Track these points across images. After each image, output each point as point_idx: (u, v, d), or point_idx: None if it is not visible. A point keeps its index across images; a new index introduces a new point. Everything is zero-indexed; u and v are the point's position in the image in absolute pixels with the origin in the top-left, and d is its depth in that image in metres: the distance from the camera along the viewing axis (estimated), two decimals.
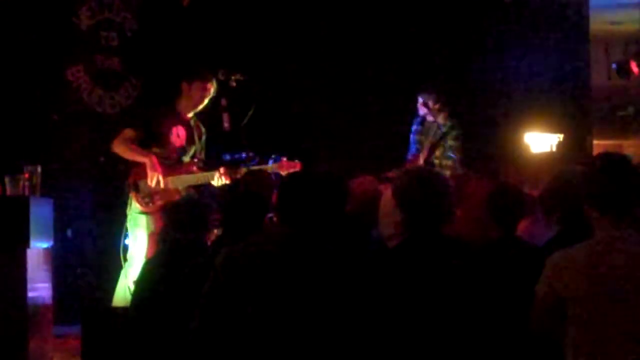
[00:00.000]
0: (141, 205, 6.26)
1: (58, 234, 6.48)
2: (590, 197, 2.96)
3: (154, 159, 6.29)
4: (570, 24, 8.98)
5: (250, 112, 7.11)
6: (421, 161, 7.26)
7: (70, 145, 7.74)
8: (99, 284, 7.34)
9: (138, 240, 6.25)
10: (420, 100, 7.35)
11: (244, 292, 3.09)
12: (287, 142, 7.83)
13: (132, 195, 6.29)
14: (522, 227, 4.21)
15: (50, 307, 5.88)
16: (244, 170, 6.41)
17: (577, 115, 9.09)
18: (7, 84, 7.41)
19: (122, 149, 6.32)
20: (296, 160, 6.54)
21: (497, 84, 8.81)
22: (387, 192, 3.44)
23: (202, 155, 6.68)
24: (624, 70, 9.85)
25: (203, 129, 6.74)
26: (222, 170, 6.41)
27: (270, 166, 6.49)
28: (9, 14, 7.49)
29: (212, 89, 6.57)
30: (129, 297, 5.94)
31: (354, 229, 3.92)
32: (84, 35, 7.93)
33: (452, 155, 7.26)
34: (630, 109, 12.27)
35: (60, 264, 6.78)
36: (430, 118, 7.33)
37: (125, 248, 6.94)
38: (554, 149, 8.98)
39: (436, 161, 7.29)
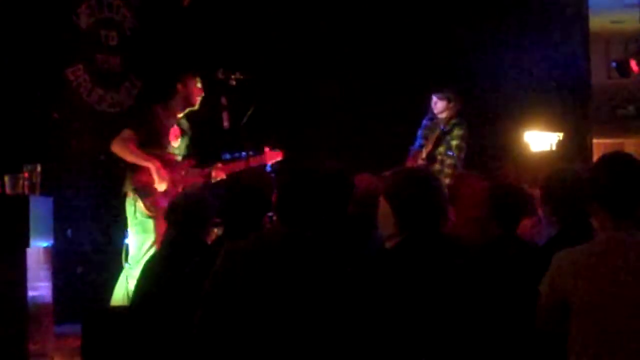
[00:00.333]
0: (148, 210, 6.24)
1: (58, 233, 6.46)
2: (596, 197, 2.95)
3: (158, 163, 6.29)
4: (570, 22, 8.99)
5: (250, 111, 7.11)
6: (424, 155, 7.27)
7: (70, 144, 7.74)
8: (99, 283, 7.32)
9: (145, 244, 6.23)
10: (435, 98, 7.38)
11: (244, 291, 3.09)
12: (286, 140, 7.82)
13: (138, 201, 6.26)
14: (523, 226, 4.21)
15: (50, 306, 5.87)
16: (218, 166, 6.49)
17: (577, 113, 9.11)
18: (7, 83, 7.40)
19: (122, 151, 6.28)
20: (278, 150, 6.62)
21: (496, 82, 8.82)
22: None
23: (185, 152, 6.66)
24: (623, 68, 9.87)
25: (188, 127, 6.73)
26: (219, 165, 6.48)
27: (255, 158, 6.53)
28: (9, 13, 7.48)
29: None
30: (128, 298, 5.95)
31: (355, 228, 3.92)
32: (84, 34, 7.92)
33: (451, 153, 7.26)
34: (631, 108, 12.28)
35: (60, 263, 6.76)
36: (442, 115, 7.36)
37: (126, 247, 6.94)
38: (554, 148, 8.99)
39: (439, 157, 7.30)
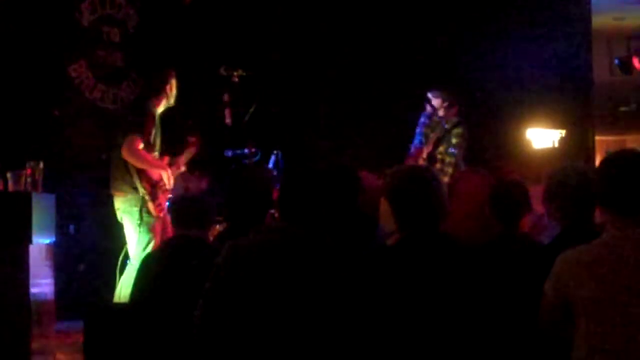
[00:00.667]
0: (157, 211, 6.24)
1: (60, 229, 6.47)
2: (599, 194, 2.94)
3: (168, 169, 6.35)
4: (572, 20, 8.98)
5: (252, 108, 7.12)
6: (424, 154, 7.27)
7: (72, 140, 7.74)
8: (101, 280, 7.33)
9: (150, 244, 6.22)
10: (431, 95, 7.39)
11: (246, 287, 3.09)
12: (289, 137, 7.84)
13: (148, 202, 6.24)
14: (526, 223, 4.21)
15: (52, 303, 5.88)
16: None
17: (579, 111, 9.09)
18: (9, 79, 7.40)
19: (137, 161, 6.19)
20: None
21: (499, 80, 8.81)
22: None
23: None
24: (626, 66, 9.86)
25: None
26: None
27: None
28: (11, 10, 7.48)
29: None
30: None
31: (359, 226, 3.93)
32: (86, 30, 7.92)
33: (453, 150, 7.26)
34: (633, 105, 12.27)
35: (63, 260, 6.77)
36: (440, 114, 7.36)
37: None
38: (556, 145, 8.98)
39: (439, 156, 7.30)
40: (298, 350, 3.02)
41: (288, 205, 3.28)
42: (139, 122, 6.26)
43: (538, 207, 4.57)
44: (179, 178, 6.73)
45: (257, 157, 7.06)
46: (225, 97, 6.96)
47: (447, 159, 7.27)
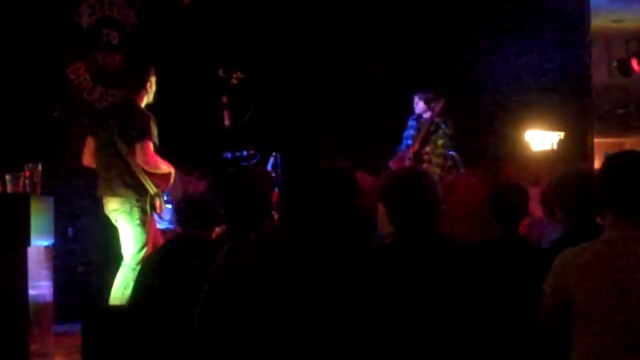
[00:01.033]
0: (161, 211, 6.24)
1: (59, 232, 6.46)
2: (599, 195, 2.94)
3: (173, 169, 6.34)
4: (571, 21, 8.99)
5: (251, 110, 7.12)
6: (411, 155, 7.27)
7: (71, 143, 7.72)
8: (99, 283, 7.32)
9: (149, 243, 6.22)
10: (416, 98, 7.41)
11: (245, 290, 3.09)
12: (287, 139, 7.84)
13: (157, 202, 6.23)
14: (525, 225, 4.21)
15: (50, 306, 5.87)
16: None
17: (578, 113, 9.10)
18: (8, 81, 7.41)
19: (155, 167, 6.13)
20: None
21: (497, 82, 8.82)
22: None
23: None
24: (624, 67, 9.88)
25: None
26: None
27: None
28: (10, 12, 7.48)
29: None
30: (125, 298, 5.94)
31: (357, 228, 3.92)
32: (85, 33, 7.93)
33: (452, 152, 7.26)
34: (631, 107, 12.27)
35: (61, 262, 6.78)
36: (426, 115, 7.36)
37: None
38: (555, 147, 8.99)
39: (426, 157, 7.30)
40: (296, 352, 3.02)
41: (287, 208, 3.27)
42: (145, 126, 6.13)
43: (536, 209, 4.58)
44: (178, 180, 6.73)
45: (256, 159, 7.06)
46: (224, 99, 6.96)
47: (434, 160, 7.26)
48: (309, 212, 3.21)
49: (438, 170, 7.16)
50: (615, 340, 2.77)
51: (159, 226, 6.51)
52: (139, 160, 6.07)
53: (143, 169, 6.13)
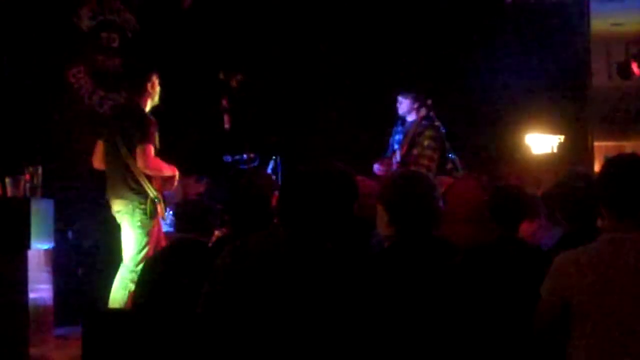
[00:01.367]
0: (162, 214, 6.26)
1: (59, 235, 6.47)
2: (599, 197, 2.95)
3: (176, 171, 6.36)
4: (571, 25, 8.99)
5: (251, 113, 7.12)
6: (398, 158, 7.26)
7: (71, 146, 7.73)
8: (99, 286, 7.32)
9: (147, 248, 6.23)
10: (400, 98, 7.40)
11: (245, 291, 3.09)
12: (287, 142, 7.84)
13: (159, 205, 6.24)
14: (524, 228, 4.21)
15: (50, 308, 5.88)
16: None
17: (577, 116, 9.10)
18: (8, 84, 7.41)
19: (157, 172, 6.16)
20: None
21: (497, 85, 8.82)
22: None
23: None
24: (624, 71, 9.88)
25: None
26: None
27: None
28: (10, 15, 7.48)
29: None
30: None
31: (355, 230, 3.93)
32: (85, 36, 7.93)
33: (451, 156, 7.25)
34: (631, 110, 12.27)
35: (61, 265, 6.77)
36: (410, 118, 7.36)
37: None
38: (555, 150, 8.99)
39: (412, 159, 7.28)
40: (296, 353, 3.02)
41: (287, 210, 3.27)
42: (145, 129, 6.14)
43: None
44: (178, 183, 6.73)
45: (256, 163, 7.06)
46: (224, 102, 6.96)
47: (422, 161, 7.25)
48: (308, 213, 3.20)
49: (424, 171, 7.13)
50: (614, 342, 2.77)
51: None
52: (140, 163, 6.08)
53: (144, 173, 6.15)
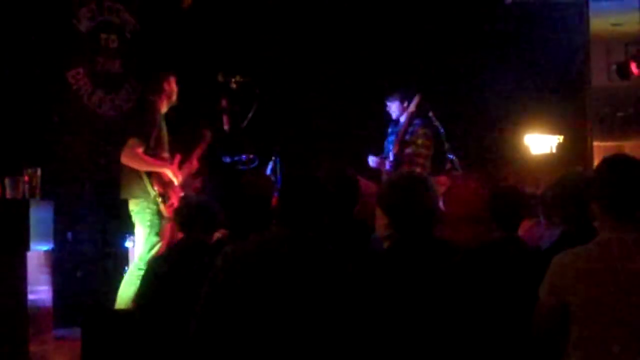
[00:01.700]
0: (170, 212, 6.27)
1: (58, 236, 6.47)
2: (594, 197, 2.95)
3: (171, 166, 6.41)
4: (570, 25, 8.98)
5: (250, 114, 7.12)
6: (391, 158, 7.27)
7: (70, 147, 7.73)
8: (99, 287, 7.32)
9: (158, 247, 6.24)
10: (388, 103, 7.41)
11: (243, 292, 3.09)
12: (286, 143, 7.83)
13: (161, 205, 6.26)
14: (524, 228, 4.21)
15: (50, 310, 5.88)
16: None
17: (577, 116, 9.10)
18: (7, 86, 7.40)
19: (135, 162, 6.23)
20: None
21: (496, 85, 8.81)
22: None
23: None
24: (624, 71, 9.86)
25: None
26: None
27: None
28: (9, 17, 7.48)
29: None
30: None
31: (355, 231, 3.93)
32: (84, 37, 7.92)
33: (451, 156, 7.25)
34: (631, 110, 12.26)
35: (60, 267, 6.77)
36: (403, 119, 7.36)
37: (126, 251, 6.94)
38: (554, 151, 8.98)
39: (407, 159, 7.28)
40: (296, 352, 3.02)
41: (287, 211, 3.28)
42: (138, 125, 6.31)
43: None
44: (189, 176, 6.79)
45: (255, 164, 7.06)
46: (223, 103, 6.96)
47: (418, 160, 7.24)
48: (308, 215, 3.21)
49: (418, 169, 7.13)
50: (612, 342, 2.77)
51: None
52: (122, 158, 6.23)
53: (147, 173, 6.21)
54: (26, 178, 5.60)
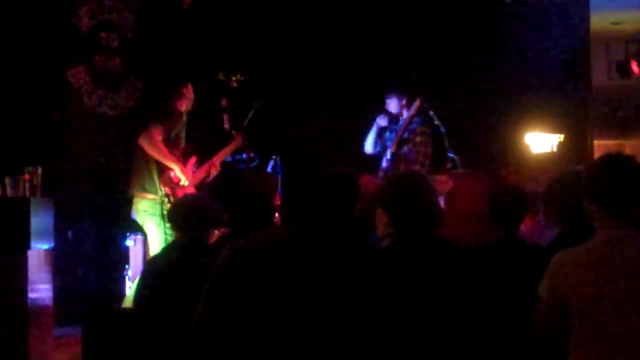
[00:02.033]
0: None
1: (59, 235, 6.46)
2: (591, 196, 2.95)
3: (180, 164, 6.51)
4: (571, 24, 8.99)
5: (251, 113, 7.12)
6: (388, 156, 7.27)
7: (70, 146, 7.74)
8: (99, 286, 7.33)
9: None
10: (387, 100, 7.41)
11: (246, 289, 3.09)
12: (287, 142, 7.84)
13: (167, 204, 6.30)
14: (525, 227, 4.21)
15: (50, 309, 5.87)
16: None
17: (577, 115, 9.10)
18: (8, 85, 7.40)
19: (152, 148, 6.40)
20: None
21: (497, 84, 8.82)
22: None
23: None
24: (624, 70, 9.87)
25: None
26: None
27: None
28: (10, 16, 7.48)
29: None
30: None
31: (355, 230, 3.93)
32: (85, 36, 7.92)
33: (451, 155, 7.24)
34: (631, 109, 12.27)
35: (61, 265, 6.76)
36: (402, 116, 7.36)
37: (126, 250, 6.94)
38: (555, 149, 8.99)
39: (403, 156, 7.27)
40: (299, 350, 3.02)
41: (290, 209, 3.28)
42: (163, 114, 6.52)
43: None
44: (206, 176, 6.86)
45: (256, 162, 7.07)
46: (224, 102, 6.97)
47: (417, 158, 7.24)
48: (310, 213, 3.21)
49: (417, 167, 7.13)
50: (612, 340, 2.77)
51: None
52: (141, 139, 6.41)
53: (158, 171, 6.26)
54: (27, 177, 5.60)
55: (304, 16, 8.62)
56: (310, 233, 3.18)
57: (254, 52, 8.31)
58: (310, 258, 3.12)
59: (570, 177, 3.67)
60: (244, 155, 7.04)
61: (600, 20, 9.87)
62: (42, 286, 5.69)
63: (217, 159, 6.92)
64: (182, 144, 6.71)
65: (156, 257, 5.08)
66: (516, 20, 8.89)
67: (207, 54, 8.07)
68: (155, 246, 6.29)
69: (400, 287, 3.17)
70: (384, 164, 7.28)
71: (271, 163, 7.17)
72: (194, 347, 3.21)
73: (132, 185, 6.54)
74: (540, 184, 6.14)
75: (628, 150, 11.49)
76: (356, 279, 3.13)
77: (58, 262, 6.33)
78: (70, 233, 7.59)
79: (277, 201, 4.75)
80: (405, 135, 7.30)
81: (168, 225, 6.23)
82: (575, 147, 9.01)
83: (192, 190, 6.51)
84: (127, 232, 6.87)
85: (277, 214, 4.44)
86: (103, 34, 8.04)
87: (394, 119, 7.48)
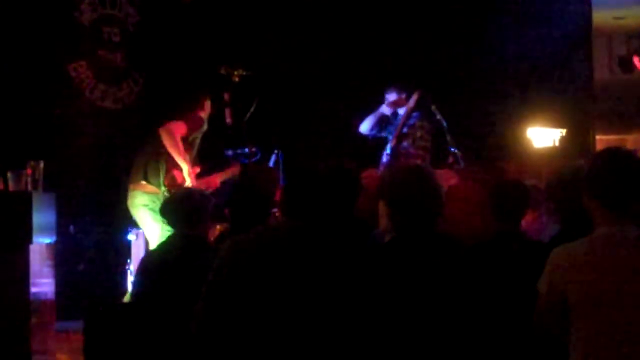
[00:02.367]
0: None
1: (61, 229, 6.47)
2: (591, 191, 2.95)
3: (190, 168, 6.57)
4: (573, 18, 8.98)
5: (253, 107, 7.12)
6: (388, 150, 7.27)
7: (73, 140, 7.73)
8: (101, 280, 7.33)
9: None
10: (387, 95, 7.40)
11: (248, 283, 3.09)
12: (289, 136, 7.84)
13: None
14: (526, 221, 4.21)
15: (52, 303, 5.88)
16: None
17: (579, 110, 9.10)
18: (9, 79, 7.40)
19: (171, 141, 6.47)
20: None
21: (498, 78, 8.81)
22: None
23: None
24: (626, 64, 9.87)
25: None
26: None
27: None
28: (11, 9, 7.47)
29: None
30: None
31: (356, 225, 3.93)
32: (87, 30, 7.91)
33: (453, 149, 7.24)
34: (633, 104, 12.27)
35: (63, 260, 6.77)
36: (401, 111, 7.36)
37: (128, 244, 6.95)
38: (557, 144, 8.99)
39: (403, 151, 7.27)
40: (298, 346, 3.02)
41: (291, 204, 3.27)
42: (191, 117, 6.70)
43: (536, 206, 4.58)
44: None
45: (257, 157, 7.07)
46: (226, 97, 6.97)
47: (418, 152, 7.23)
48: (311, 208, 3.21)
49: (418, 162, 7.12)
50: (612, 335, 2.77)
51: None
52: (163, 129, 6.51)
53: (166, 169, 6.30)
54: (29, 171, 5.60)
55: (306, 11, 8.61)
56: (311, 227, 3.17)
57: (256, 46, 8.31)
58: (311, 252, 3.12)
59: (572, 172, 3.66)
60: (246, 150, 7.04)
61: (602, 15, 9.87)
62: (44, 280, 5.70)
63: (217, 179, 6.97)
64: (194, 151, 6.76)
65: (152, 252, 5.08)
66: (518, 15, 8.89)
67: (209, 49, 8.07)
68: (154, 241, 6.29)
69: (403, 282, 3.17)
70: (384, 158, 7.28)
71: (273, 158, 7.17)
72: (195, 342, 3.21)
73: (132, 176, 6.53)
74: (542, 179, 6.15)
75: (630, 145, 11.50)
76: (357, 273, 3.13)
77: (60, 256, 6.34)
78: (72, 227, 7.59)
79: (277, 195, 4.74)
80: (405, 129, 7.30)
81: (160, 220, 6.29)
82: (577, 142, 9.01)
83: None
84: (129, 226, 6.87)
85: (276, 209, 4.45)
86: (105, 28, 8.03)
87: (394, 113, 7.48)
